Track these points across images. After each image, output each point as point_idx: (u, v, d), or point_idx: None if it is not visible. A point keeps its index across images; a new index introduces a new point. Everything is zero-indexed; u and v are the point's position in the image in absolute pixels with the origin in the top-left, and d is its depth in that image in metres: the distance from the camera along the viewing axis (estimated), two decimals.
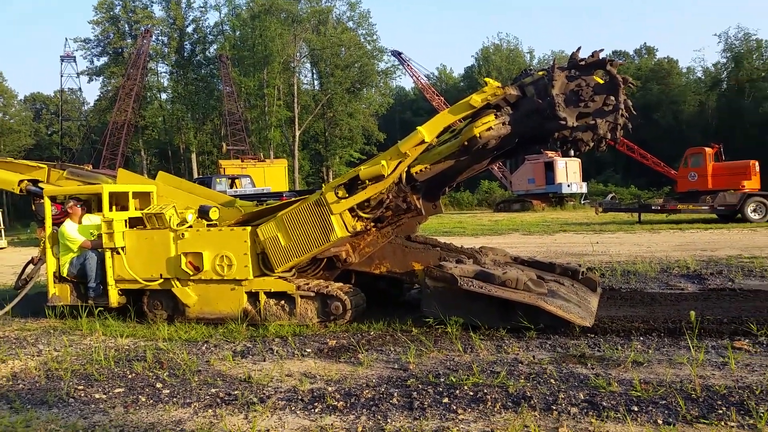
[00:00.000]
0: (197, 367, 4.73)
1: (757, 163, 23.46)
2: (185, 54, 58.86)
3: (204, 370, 4.65)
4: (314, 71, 63.24)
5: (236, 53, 55.66)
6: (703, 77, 77.39)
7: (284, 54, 54.15)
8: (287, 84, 56.36)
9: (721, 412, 3.30)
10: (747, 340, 4.77)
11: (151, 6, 57.38)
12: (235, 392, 4.03)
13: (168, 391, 4.15)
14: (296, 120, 54.92)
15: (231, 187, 24.40)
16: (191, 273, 6.24)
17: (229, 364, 4.80)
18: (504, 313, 5.47)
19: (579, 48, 5.62)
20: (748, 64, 69.09)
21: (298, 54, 57.04)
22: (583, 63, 5.51)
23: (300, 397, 3.86)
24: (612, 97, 5.43)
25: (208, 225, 6.44)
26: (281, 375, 4.40)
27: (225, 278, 6.15)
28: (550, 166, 40.17)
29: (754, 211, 20.29)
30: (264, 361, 4.86)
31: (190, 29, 58.83)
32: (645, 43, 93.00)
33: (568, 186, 40.25)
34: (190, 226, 6.39)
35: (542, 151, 39.37)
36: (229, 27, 58.90)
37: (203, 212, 6.49)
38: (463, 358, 4.66)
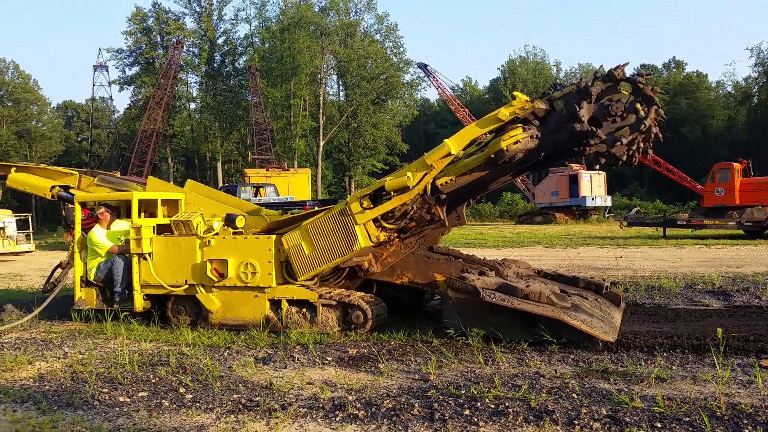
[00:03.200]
0: (220, 373, 4.79)
1: None
2: (215, 65, 59.88)
3: (226, 376, 4.71)
4: (340, 83, 63.79)
5: (265, 65, 56.45)
6: (732, 92, 76.18)
7: (311, 66, 54.77)
8: (313, 95, 56.92)
9: (746, 431, 3.25)
10: None
11: (183, 18, 58.63)
12: (257, 398, 4.07)
13: (191, 396, 4.21)
14: (321, 130, 55.37)
15: (255, 195, 24.69)
16: (216, 279, 6.33)
17: (251, 370, 4.85)
18: (526, 326, 5.44)
19: (618, 65, 5.60)
20: None
21: (325, 66, 57.59)
22: (611, 78, 5.49)
23: (321, 405, 3.88)
24: (641, 111, 5.40)
25: (234, 233, 6.54)
26: (302, 382, 4.43)
27: (248, 285, 6.23)
28: (574, 179, 39.86)
29: None
30: (285, 368, 4.90)
31: (220, 41, 59.90)
32: (674, 56, 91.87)
33: (593, 199, 39.87)
34: (217, 234, 6.49)
35: (567, 164, 39.10)
36: (259, 39, 59.80)
37: (230, 220, 6.58)
38: (484, 370, 4.65)
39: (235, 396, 4.17)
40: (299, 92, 54.40)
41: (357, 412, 3.72)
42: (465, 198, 6.66)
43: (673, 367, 4.55)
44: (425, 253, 6.55)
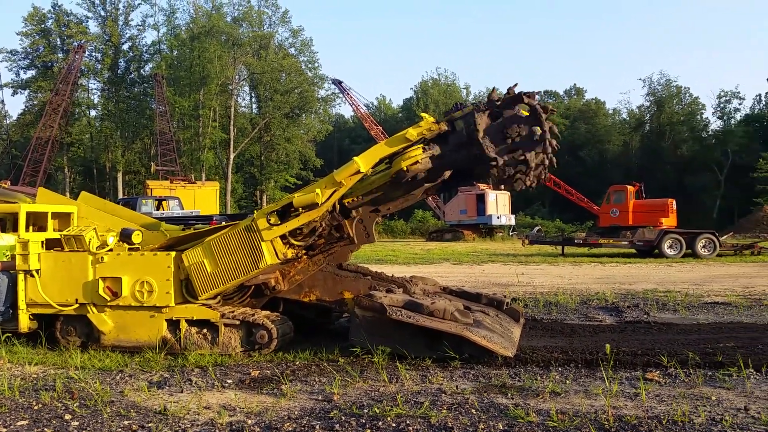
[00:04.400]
0: (110, 398, 4.51)
1: (674, 202, 24.90)
2: (119, 71, 57.35)
3: (117, 401, 4.44)
4: (253, 95, 62.83)
5: (172, 73, 54.69)
6: (627, 118, 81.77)
7: (222, 76, 53.61)
8: (224, 106, 55.68)
9: None
10: (658, 372, 4.99)
11: (86, 22, 55.78)
12: (149, 425, 3.86)
13: (77, 423, 3.93)
14: (231, 142, 54.16)
15: (158, 209, 23.68)
16: (109, 298, 5.98)
17: (145, 395, 4.60)
18: (431, 342, 5.51)
19: (494, 88, 5.83)
20: (669, 108, 73.69)
21: (237, 77, 56.55)
22: (500, 100, 5.68)
23: (218, 431, 3.73)
24: (537, 128, 5.59)
25: (129, 249, 6.21)
26: (199, 407, 4.25)
27: (144, 305, 5.92)
28: (481, 198, 41.25)
29: (670, 247, 21.44)
30: (182, 392, 4.68)
31: (125, 47, 57.51)
32: (575, 84, 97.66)
33: (498, 218, 41.42)
34: (111, 250, 6.15)
35: (474, 184, 40.39)
36: (167, 46, 57.88)
37: (125, 235, 6.25)
38: (388, 388, 4.65)
39: (126, 422, 3.93)
40: (209, 102, 53.04)
41: None
42: (374, 215, 6.69)
43: (567, 381, 4.75)
44: (334, 271, 6.51)
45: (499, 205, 41.94)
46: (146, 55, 58.84)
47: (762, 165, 57.78)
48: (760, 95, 78.13)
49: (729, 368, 4.99)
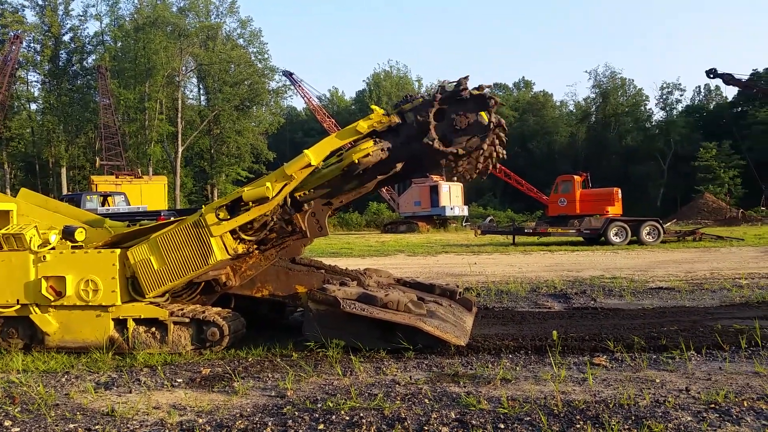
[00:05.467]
0: (55, 401, 4.35)
1: (619, 191, 25.71)
2: (60, 63, 55.18)
3: (62, 404, 4.29)
4: (201, 86, 61.56)
5: (116, 65, 53.01)
6: (574, 110, 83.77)
7: (169, 67, 52.29)
8: (171, 98, 54.34)
9: (579, 426, 3.52)
10: (605, 357, 5.14)
11: (23, 11, 53.43)
12: (96, 427, 3.74)
13: (18, 429, 3.78)
14: (179, 135, 52.91)
15: (102, 204, 22.99)
16: (52, 298, 5.76)
17: (91, 396, 4.46)
18: (385, 334, 5.53)
19: (444, 81, 5.86)
20: (614, 100, 75.85)
21: (183, 68, 55.22)
22: (450, 93, 5.70)
23: (167, 431, 3.65)
24: (483, 117, 5.61)
25: (72, 247, 6.00)
26: (148, 407, 4.15)
27: (90, 304, 5.73)
28: (435, 190, 41.66)
29: (616, 234, 22.14)
30: (130, 392, 4.57)
31: (66, 38, 55.38)
32: (523, 76, 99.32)
33: (451, 209, 41.93)
34: (53, 248, 5.92)
35: (428, 175, 40.72)
36: (111, 38, 56.02)
37: (68, 233, 6.02)
38: (342, 381, 4.64)
39: (72, 426, 3.80)
40: (155, 95, 51.67)
41: None
42: (327, 208, 6.65)
43: (518, 368, 4.85)
44: (287, 265, 6.44)
45: (452, 196, 42.46)
46: (89, 47, 56.87)
47: (702, 154, 60.28)
48: (700, 87, 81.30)
49: (672, 351, 5.18)
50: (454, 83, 5.74)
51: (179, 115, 53.32)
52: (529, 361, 5.08)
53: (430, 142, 5.59)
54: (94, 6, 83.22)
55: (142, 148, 51.77)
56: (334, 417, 3.76)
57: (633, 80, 78.94)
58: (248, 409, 4.02)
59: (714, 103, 77.88)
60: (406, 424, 3.60)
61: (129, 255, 5.75)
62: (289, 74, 57.03)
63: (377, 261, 16.55)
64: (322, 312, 5.57)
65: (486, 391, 4.25)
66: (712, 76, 49.36)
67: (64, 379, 4.98)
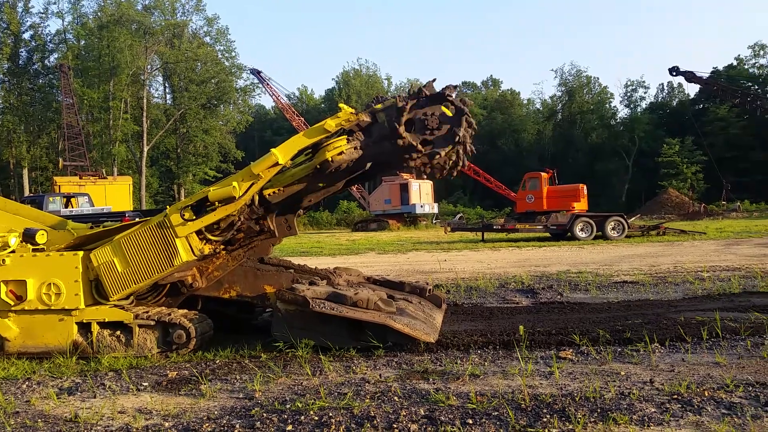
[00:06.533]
0: (15, 409, 4.23)
1: (585, 187, 26.16)
2: (20, 62, 53.66)
3: (23, 412, 4.18)
4: (167, 85, 60.60)
5: (80, 63, 51.82)
6: (541, 108, 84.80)
7: (134, 66, 51.33)
8: (136, 97, 53.36)
9: (545, 420, 3.57)
10: (571, 350, 5.22)
11: None
12: None
13: None
14: (145, 135, 52.00)
15: (66, 206, 22.47)
16: (12, 303, 5.61)
17: (54, 403, 4.35)
18: (355, 333, 5.52)
19: (414, 82, 5.89)
20: (580, 98, 77.05)
21: (149, 66, 54.29)
22: (424, 95, 5.75)
23: None
24: (457, 122, 5.67)
25: (33, 250, 5.84)
26: (113, 412, 4.07)
27: (52, 308, 5.59)
28: (405, 188, 41.79)
29: (582, 230, 22.52)
30: (94, 397, 4.47)
31: (27, 36, 53.84)
32: (491, 75, 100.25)
33: (422, 207, 42.11)
34: (13, 251, 5.76)
35: (398, 173, 40.82)
36: (73, 36, 54.73)
37: (29, 236, 5.87)
38: (311, 381, 4.62)
39: None
40: (119, 94, 50.67)
41: None
42: (296, 207, 6.61)
43: (486, 363, 4.90)
44: (255, 265, 6.38)
45: (422, 194, 42.64)
46: (50, 45, 55.48)
47: (666, 150, 61.71)
48: (663, 84, 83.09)
49: (636, 344, 5.29)
50: (422, 86, 5.80)
51: (144, 114, 52.40)
52: (497, 356, 5.13)
53: (403, 141, 5.61)
54: (55, 3, 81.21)
55: (107, 148, 50.72)
56: (302, 417, 3.74)
57: (598, 78, 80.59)
58: (215, 412, 3.97)
59: (677, 100, 79.74)
60: (375, 422, 3.60)
61: (92, 257, 5.63)
62: (256, 72, 56.49)
63: (348, 260, 16.52)
64: (291, 312, 5.53)
65: (455, 387, 4.28)
66: (674, 73, 50.64)
67: (25, 386, 4.85)
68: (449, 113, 5.67)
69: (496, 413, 3.69)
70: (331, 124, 5.73)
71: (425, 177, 6.14)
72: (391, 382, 4.45)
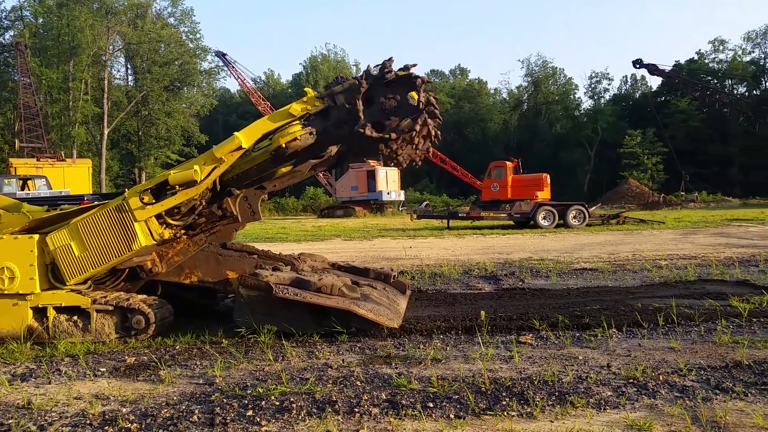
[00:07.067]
0: None
1: (548, 176, 26.50)
2: None
3: None
4: (129, 66, 59.09)
5: (38, 42, 50.08)
6: (507, 98, 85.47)
7: (95, 46, 49.83)
8: (96, 78, 51.88)
9: (504, 402, 3.62)
10: (531, 335, 5.31)
11: None
12: (10, 421, 3.56)
13: None
14: (105, 117, 50.67)
15: (22, 188, 21.81)
16: None
17: (5, 390, 4.23)
18: (319, 318, 5.51)
19: (369, 65, 5.72)
20: (545, 88, 77.90)
21: (111, 47, 52.80)
22: (376, 76, 5.59)
23: (89, 422, 3.51)
24: (413, 97, 5.51)
25: None
26: (68, 398, 3.98)
27: (6, 292, 5.42)
28: (372, 175, 41.75)
29: (544, 218, 22.88)
30: (49, 384, 4.36)
31: None
32: (459, 64, 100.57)
33: (388, 194, 42.14)
34: None
35: (365, 160, 40.71)
36: (30, 13, 52.78)
37: None
38: (273, 367, 4.60)
39: None
40: (80, 74, 49.19)
41: (130, 425, 3.42)
42: (259, 192, 6.52)
43: (448, 348, 4.94)
44: (217, 251, 6.28)
45: (389, 181, 42.66)
46: (6, 22, 53.42)
47: (628, 141, 62.93)
48: (626, 77, 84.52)
49: (594, 329, 5.40)
50: (379, 66, 5.65)
51: (105, 95, 51.03)
52: (459, 341, 5.18)
53: (361, 130, 5.49)
54: None
55: (66, 129, 49.26)
56: (263, 402, 3.71)
57: (563, 69, 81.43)
58: (174, 398, 3.91)
59: (639, 92, 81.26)
60: (336, 406, 3.60)
61: (48, 241, 5.47)
62: (222, 55, 55.45)
63: (313, 246, 16.45)
64: (254, 297, 5.48)
65: (417, 371, 4.31)
66: (638, 66, 51.58)
67: None
68: (415, 97, 5.52)
69: (456, 397, 3.73)
70: (296, 108, 5.63)
71: (391, 164, 6.08)
72: (354, 367, 4.46)
